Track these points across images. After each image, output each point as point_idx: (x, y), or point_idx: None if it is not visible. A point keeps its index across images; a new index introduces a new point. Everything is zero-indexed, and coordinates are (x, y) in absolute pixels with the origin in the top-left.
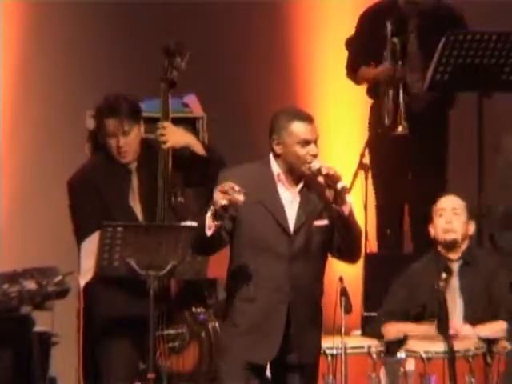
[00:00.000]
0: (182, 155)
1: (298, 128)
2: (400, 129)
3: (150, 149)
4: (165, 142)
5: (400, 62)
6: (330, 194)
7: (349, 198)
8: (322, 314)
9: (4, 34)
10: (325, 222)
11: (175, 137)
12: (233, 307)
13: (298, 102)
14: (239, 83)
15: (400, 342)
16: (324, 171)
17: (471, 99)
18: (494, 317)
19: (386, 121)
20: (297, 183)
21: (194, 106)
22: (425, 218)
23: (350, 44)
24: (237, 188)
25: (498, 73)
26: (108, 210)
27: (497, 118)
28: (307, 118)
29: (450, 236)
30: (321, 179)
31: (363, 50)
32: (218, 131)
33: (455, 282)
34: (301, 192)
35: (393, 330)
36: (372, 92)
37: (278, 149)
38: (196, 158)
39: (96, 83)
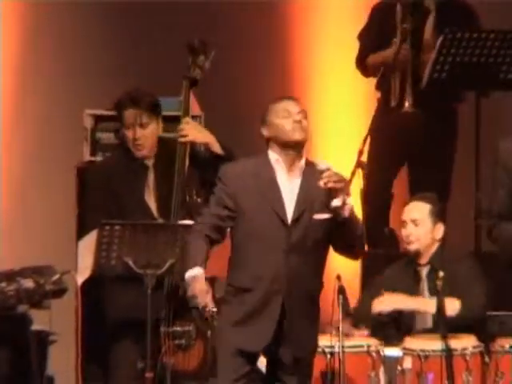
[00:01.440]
0: (200, 153)
1: (281, 104)
2: (406, 105)
3: (167, 148)
4: (184, 136)
5: (408, 44)
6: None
7: (349, 200)
8: (319, 309)
9: (4, 34)
10: (325, 215)
11: (195, 132)
12: (231, 296)
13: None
14: (237, 82)
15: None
16: (324, 181)
17: (469, 98)
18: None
19: (393, 102)
20: (295, 171)
21: (191, 104)
22: None
23: (362, 35)
24: (208, 300)
25: (496, 71)
26: (123, 206)
27: (494, 117)
28: (290, 97)
29: (411, 247)
30: (321, 183)
31: (374, 40)
32: (215, 130)
33: (424, 287)
34: (301, 181)
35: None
36: (381, 85)
37: (267, 131)
38: (213, 156)
39: (95, 83)
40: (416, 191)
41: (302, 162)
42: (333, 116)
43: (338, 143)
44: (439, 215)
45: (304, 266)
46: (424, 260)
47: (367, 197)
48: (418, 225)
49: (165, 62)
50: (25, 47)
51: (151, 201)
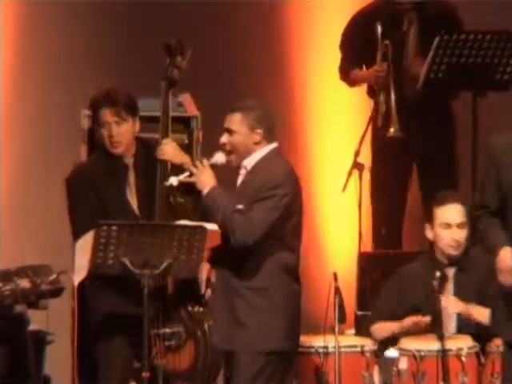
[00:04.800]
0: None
1: None
2: (392, 130)
3: (146, 147)
4: (162, 155)
5: (390, 64)
6: None
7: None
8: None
9: (3, 34)
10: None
11: (173, 155)
12: None
13: (294, 101)
14: (235, 82)
15: (390, 342)
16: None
17: (465, 98)
18: None
19: (379, 122)
20: None
21: (188, 105)
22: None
23: (344, 46)
24: None
25: (492, 72)
26: (106, 206)
27: (491, 117)
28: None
29: (456, 252)
30: None
31: (355, 53)
32: (212, 131)
33: (449, 286)
34: None
35: (378, 329)
36: (372, 92)
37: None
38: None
39: (94, 83)
40: (427, 192)
41: None
42: (331, 116)
43: (336, 143)
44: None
45: None
46: (452, 260)
47: (379, 199)
48: (463, 228)
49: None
50: (24, 47)
51: (133, 200)
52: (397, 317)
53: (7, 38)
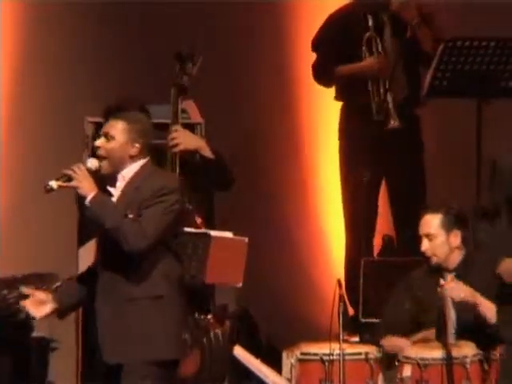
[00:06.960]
0: (191, 159)
1: None
2: (392, 122)
3: (156, 154)
4: (177, 145)
5: (386, 55)
6: None
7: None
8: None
9: (3, 35)
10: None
11: (187, 140)
12: None
13: (298, 106)
14: (239, 89)
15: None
16: None
17: (470, 105)
18: None
19: (376, 117)
20: None
21: (192, 111)
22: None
23: (322, 44)
24: None
25: (497, 79)
26: None
27: (495, 124)
28: None
29: (431, 262)
30: None
31: (337, 50)
32: (216, 137)
33: None
34: None
35: (388, 346)
36: (341, 95)
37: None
38: (204, 161)
39: (96, 87)
40: (395, 199)
41: None
42: (334, 123)
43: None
44: (455, 222)
45: None
46: (450, 266)
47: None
48: (432, 239)
49: (164, 69)
50: (24, 49)
51: None
52: (408, 329)
53: (8, 40)
